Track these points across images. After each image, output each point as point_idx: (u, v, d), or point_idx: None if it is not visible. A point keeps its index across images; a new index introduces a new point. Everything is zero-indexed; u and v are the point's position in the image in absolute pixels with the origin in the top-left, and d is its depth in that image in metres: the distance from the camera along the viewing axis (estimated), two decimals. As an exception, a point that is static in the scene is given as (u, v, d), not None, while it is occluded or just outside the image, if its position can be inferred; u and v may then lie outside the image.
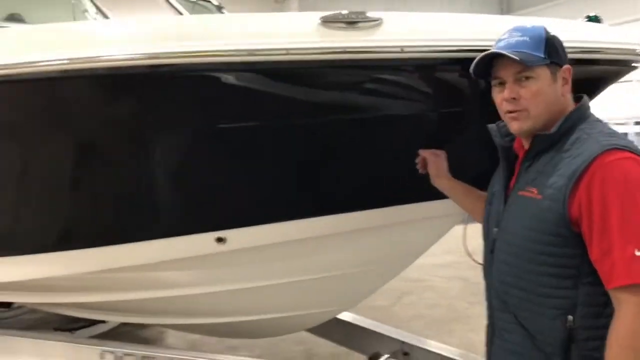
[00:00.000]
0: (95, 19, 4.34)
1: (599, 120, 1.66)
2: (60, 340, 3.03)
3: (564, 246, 1.53)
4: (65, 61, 2.17)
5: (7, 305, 3.54)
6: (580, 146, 1.54)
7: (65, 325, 3.69)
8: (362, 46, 1.81)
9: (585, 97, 1.69)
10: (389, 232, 2.41)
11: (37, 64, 2.18)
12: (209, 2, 3.84)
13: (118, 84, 2.18)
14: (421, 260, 2.80)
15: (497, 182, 1.80)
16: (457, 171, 2.10)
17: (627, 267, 1.41)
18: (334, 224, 2.28)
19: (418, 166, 2.12)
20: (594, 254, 1.48)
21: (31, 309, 4.11)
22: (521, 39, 1.61)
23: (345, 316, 3.33)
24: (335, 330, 3.34)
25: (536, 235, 1.57)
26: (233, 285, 2.46)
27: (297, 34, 1.88)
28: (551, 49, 1.61)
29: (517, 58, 1.57)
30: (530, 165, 1.66)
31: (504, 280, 1.68)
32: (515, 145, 1.76)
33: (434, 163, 2.08)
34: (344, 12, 1.80)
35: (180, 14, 2.87)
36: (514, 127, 1.65)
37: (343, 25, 1.79)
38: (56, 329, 3.59)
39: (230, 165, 2.22)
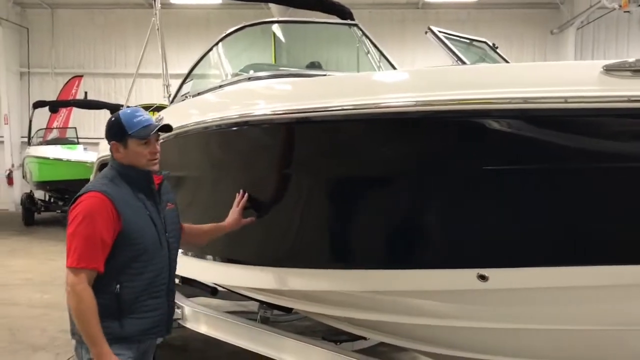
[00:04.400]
0: (375, 60, 4.81)
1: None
2: (324, 348, 3.36)
3: None
4: (349, 106, 2.52)
5: (288, 310, 4.04)
6: None
7: (331, 336, 4.09)
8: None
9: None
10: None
11: (328, 109, 2.57)
12: (485, 42, 3.93)
13: (397, 127, 2.43)
14: None
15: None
16: None
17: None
18: (603, 274, 2.16)
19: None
20: None
21: (304, 317, 4.66)
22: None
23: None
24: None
25: None
26: (490, 323, 2.48)
27: (577, 83, 1.88)
28: None
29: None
30: None
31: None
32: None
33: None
34: (631, 60, 1.75)
35: (459, 58, 3.03)
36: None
37: (629, 73, 1.74)
38: (323, 338, 4.01)
39: (497, 206, 2.28)
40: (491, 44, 3.96)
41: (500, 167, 2.20)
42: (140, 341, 2.50)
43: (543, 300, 2.28)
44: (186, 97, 3.95)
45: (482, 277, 2.31)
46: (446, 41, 3.36)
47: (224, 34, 3.86)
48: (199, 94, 3.78)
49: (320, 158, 2.81)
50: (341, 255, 2.84)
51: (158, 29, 4.47)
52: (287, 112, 2.82)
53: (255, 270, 3.39)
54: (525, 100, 2.08)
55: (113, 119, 2.55)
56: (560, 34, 15.68)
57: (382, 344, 4.13)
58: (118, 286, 2.38)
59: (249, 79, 3.44)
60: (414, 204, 2.53)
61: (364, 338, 3.94)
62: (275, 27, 4.65)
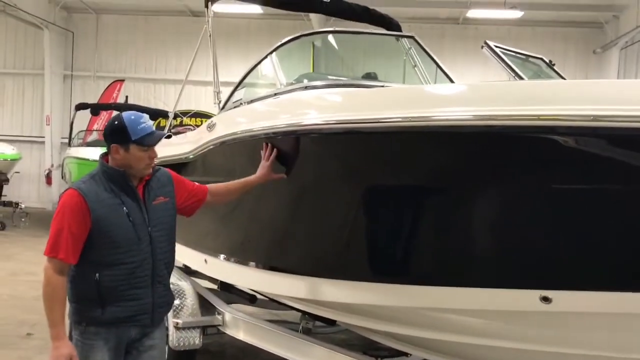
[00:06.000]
0: (422, 73, 4.76)
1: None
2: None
3: None
4: (399, 119, 2.49)
5: (332, 322, 3.99)
6: None
7: (371, 351, 4.03)
8: None
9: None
10: None
11: (381, 121, 2.55)
12: (541, 59, 3.87)
13: (450, 141, 2.39)
14: None
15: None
16: None
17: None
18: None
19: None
20: None
21: (340, 330, 4.60)
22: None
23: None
24: None
25: None
26: (549, 347, 2.40)
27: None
28: None
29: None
30: None
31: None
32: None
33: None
34: None
35: (517, 74, 2.97)
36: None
37: None
38: (364, 353, 3.95)
39: (562, 226, 2.22)
40: (548, 61, 3.89)
41: (571, 186, 2.14)
42: (120, 327, 2.65)
43: (610, 326, 2.20)
44: (241, 103, 3.96)
45: (546, 299, 2.24)
46: (503, 56, 3.31)
47: (280, 43, 3.87)
48: (252, 101, 3.80)
49: (371, 170, 2.79)
50: (398, 269, 2.79)
51: (210, 36, 4.51)
52: (338, 122, 2.80)
53: (300, 280, 3.36)
54: (596, 118, 2.02)
55: (116, 122, 2.68)
56: (603, 53, 15.42)
57: (423, 360, 4.06)
58: (97, 275, 2.57)
59: (306, 87, 3.44)
60: (472, 221, 2.47)
61: (406, 354, 3.87)
62: (316, 38, 4.66)
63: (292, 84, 3.65)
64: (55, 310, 2.50)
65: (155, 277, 2.69)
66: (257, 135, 3.34)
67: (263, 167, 3.11)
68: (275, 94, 3.58)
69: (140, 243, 2.62)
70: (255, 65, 4.08)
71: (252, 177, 3.12)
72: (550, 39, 15.93)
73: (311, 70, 4.96)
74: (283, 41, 3.87)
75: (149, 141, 2.64)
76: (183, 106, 13.55)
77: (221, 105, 4.26)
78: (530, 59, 3.88)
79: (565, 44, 16.09)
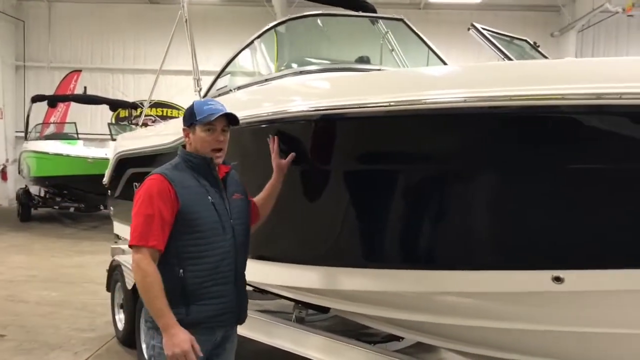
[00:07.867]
0: (399, 57, 4.72)
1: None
2: (364, 348, 3.31)
3: None
4: (390, 103, 2.46)
5: (326, 310, 3.94)
6: None
7: (363, 337, 4.00)
8: None
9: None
10: None
11: (368, 105, 2.51)
12: (525, 40, 3.88)
13: (445, 124, 2.36)
14: None
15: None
16: None
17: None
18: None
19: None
20: None
21: (334, 317, 4.56)
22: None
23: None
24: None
25: None
26: (561, 327, 2.41)
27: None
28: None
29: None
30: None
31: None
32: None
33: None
34: None
35: (506, 56, 2.97)
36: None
37: None
38: (358, 339, 3.93)
39: (572, 206, 2.22)
40: (532, 42, 3.91)
41: (579, 165, 2.14)
42: (206, 329, 2.48)
43: (622, 303, 2.22)
44: (229, 90, 3.85)
45: (558, 279, 2.25)
46: (491, 38, 3.30)
47: (266, 28, 3.76)
48: (240, 87, 3.69)
49: (364, 155, 2.75)
50: (384, 254, 2.76)
51: (186, 21, 4.36)
52: (329, 108, 2.75)
53: (291, 269, 3.31)
54: (599, 95, 2.02)
55: (189, 107, 2.61)
56: (561, 36, 15.78)
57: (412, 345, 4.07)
58: (182, 270, 2.42)
59: (301, 72, 3.36)
60: (482, 204, 2.45)
61: (398, 339, 3.86)
62: (297, 23, 4.56)
63: (281, 69, 3.57)
64: (160, 298, 2.32)
65: (237, 272, 2.57)
66: (253, 123, 3.24)
67: (274, 161, 2.93)
68: (266, 80, 3.49)
69: (224, 234, 2.51)
70: (240, 52, 3.98)
71: (272, 180, 2.92)
72: (509, 23, 16.10)
73: (275, 57, 4.86)
74: (270, 26, 3.77)
75: (209, 118, 2.49)
76: (146, 96, 13.21)
77: (202, 93, 4.13)
78: (515, 40, 3.89)
79: (524, 28, 16.27)
